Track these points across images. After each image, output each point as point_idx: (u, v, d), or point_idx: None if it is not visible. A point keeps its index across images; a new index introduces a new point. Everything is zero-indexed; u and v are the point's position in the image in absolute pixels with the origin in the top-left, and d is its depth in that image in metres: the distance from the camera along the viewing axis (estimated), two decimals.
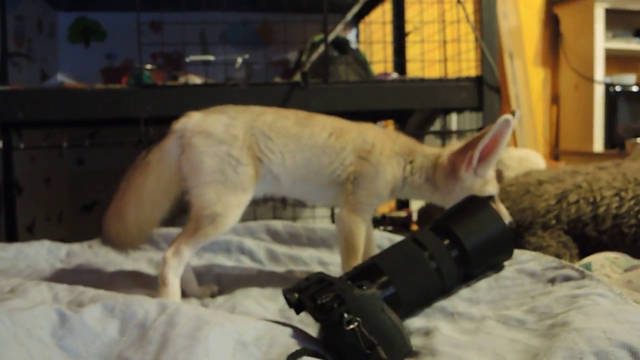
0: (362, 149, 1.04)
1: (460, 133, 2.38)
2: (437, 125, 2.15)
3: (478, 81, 1.81)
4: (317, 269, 1.22)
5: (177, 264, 0.97)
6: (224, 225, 0.99)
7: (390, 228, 2.03)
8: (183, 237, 0.98)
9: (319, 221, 2.42)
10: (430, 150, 1.07)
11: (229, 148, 1.00)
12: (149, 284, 1.09)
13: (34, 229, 2.02)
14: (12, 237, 1.71)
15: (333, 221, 2.24)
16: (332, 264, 1.22)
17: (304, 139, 1.04)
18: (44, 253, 1.34)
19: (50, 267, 1.25)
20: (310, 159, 1.04)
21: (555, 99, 3.44)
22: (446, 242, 0.85)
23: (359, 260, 1.03)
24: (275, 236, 1.40)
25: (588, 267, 1.07)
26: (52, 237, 1.47)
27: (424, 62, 2.02)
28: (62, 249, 1.37)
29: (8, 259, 1.28)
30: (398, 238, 1.19)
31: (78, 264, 1.27)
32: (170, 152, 1.02)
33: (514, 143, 3.17)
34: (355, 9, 1.87)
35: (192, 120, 1.02)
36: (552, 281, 0.84)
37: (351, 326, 0.63)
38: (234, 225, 1.02)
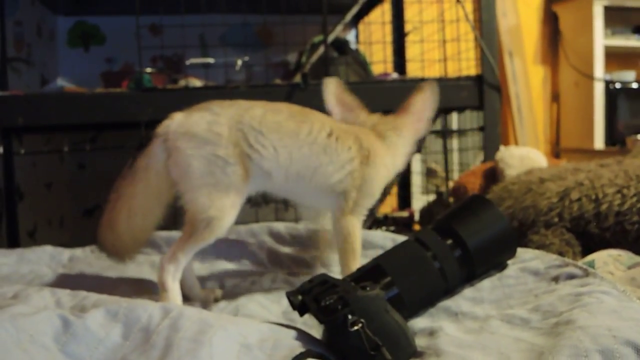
0: (362, 155, 1.03)
1: (461, 132, 2.38)
2: (437, 125, 2.15)
3: (478, 80, 1.81)
4: (319, 270, 1.21)
5: (175, 269, 0.96)
6: (220, 228, 0.96)
7: (392, 228, 2.03)
8: (180, 241, 0.97)
9: None
10: (382, 119, 1.10)
11: (214, 148, 0.95)
12: (152, 288, 1.09)
13: (36, 234, 2.02)
14: (13, 242, 1.71)
15: None
16: (335, 265, 1.22)
17: (302, 134, 1.00)
18: (46, 258, 1.34)
19: (53, 272, 1.25)
20: (309, 156, 1.00)
21: (555, 97, 3.44)
22: (449, 242, 0.85)
23: (358, 262, 1.02)
24: (278, 238, 1.40)
25: (591, 264, 1.07)
26: (54, 242, 1.46)
27: (424, 62, 2.01)
28: (64, 254, 1.37)
29: (10, 264, 1.28)
30: (401, 238, 1.19)
31: (80, 269, 1.27)
32: (156, 157, 0.98)
33: (515, 141, 3.17)
34: (354, 10, 1.87)
35: (175, 122, 0.98)
36: (556, 279, 0.84)
37: (355, 327, 0.63)
38: (231, 226, 1.00)
